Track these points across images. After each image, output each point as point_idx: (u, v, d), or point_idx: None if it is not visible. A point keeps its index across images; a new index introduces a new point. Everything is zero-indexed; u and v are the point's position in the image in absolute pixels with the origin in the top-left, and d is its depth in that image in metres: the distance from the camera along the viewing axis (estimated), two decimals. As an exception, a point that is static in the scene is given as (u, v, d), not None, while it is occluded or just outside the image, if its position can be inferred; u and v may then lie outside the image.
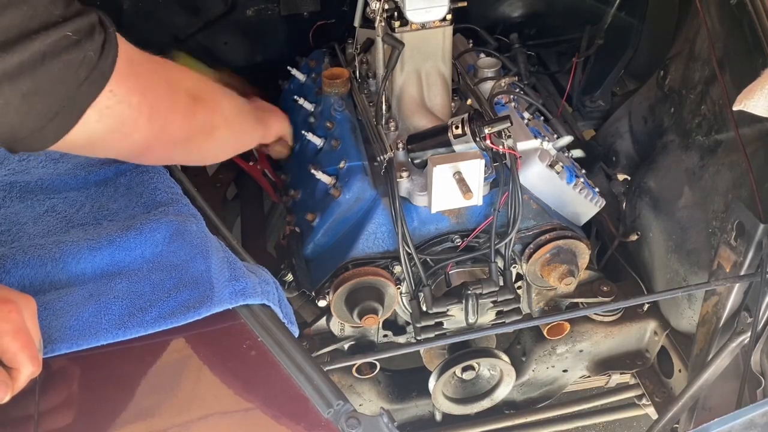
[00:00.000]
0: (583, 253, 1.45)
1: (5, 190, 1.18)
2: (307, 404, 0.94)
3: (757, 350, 1.27)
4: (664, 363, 1.71)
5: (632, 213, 1.66)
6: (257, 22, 1.85)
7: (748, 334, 1.28)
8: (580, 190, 1.45)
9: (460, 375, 1.57)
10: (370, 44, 1.51)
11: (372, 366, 1.57)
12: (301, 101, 1.64)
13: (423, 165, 1.36)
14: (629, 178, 1.74)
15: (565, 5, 1.99)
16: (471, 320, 1.44)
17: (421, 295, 1.41)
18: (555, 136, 1.50)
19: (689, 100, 1.53)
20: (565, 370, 1.74)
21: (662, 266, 1.59)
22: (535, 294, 1.55)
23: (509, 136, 1.36)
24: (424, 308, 1.42)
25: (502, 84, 1.52)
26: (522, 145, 1.40)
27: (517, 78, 1.66)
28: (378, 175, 1.41)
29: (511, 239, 1.39)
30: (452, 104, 1.53)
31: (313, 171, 1.44)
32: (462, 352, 1.55)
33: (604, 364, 1.73)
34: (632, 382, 1.83)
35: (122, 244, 1.05)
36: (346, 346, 1.54)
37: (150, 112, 1.01)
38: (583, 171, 1.53)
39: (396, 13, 1.36)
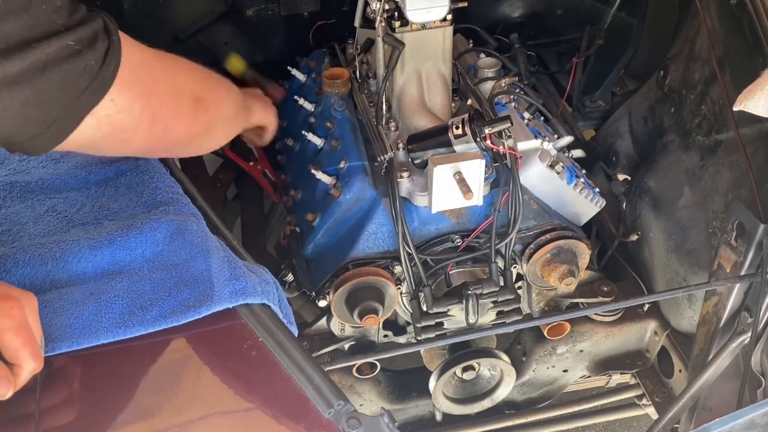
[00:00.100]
0: (584, 253, 1.45)
1: (6, 190, 1.17)
2: (307, 404, 0.94)
3: (757, 350, 1.27)
4: (664, 363, 1.71)
5: (632, 213, 1.66)
6: (257, 22, 1.85)
7: (749, 334, 1.28)
8: (581, 190, 1.45)
9: (460, 375, 1.57)
10: (370, 44, 1.51)
11: (372, 366, 1.57)
12: (301, 101, 1.64)
13: (423, 165, 1.36)
14: (629, 178, 1.74)
15: (565, 5, 1.99)
16: (471, 320, 1.44)
17: (422, 295, 1.41)
18: (555, 136, 1.50)
19: (689, 100, 1.53)
20: (565, 370, 1.74)
21: (662, 266, 1.59)
22: (535, 294, 1.55)
23: (509, 136, 1.35)
24: (425, 308, 1.42)
25: (503, 84, 1.52)
26: (522, 146, 1.40)
27: (517, 78, 1.66)
28: (378, 175, 1.41)
29: (511, 239, 1.39)
30: (452, 104, 1.53)
31: (313, 171, 1.44)
32: (462, 352, 1.55)
33: (604, 364, 1.73)
34: (632, 382, 1.83)
35: (123, 243, 1.05)
36: (346, 347, 1.54)
37: (152, 120, 1.00)
38: (584, 171, 1.53)
39: (396, 13, 1.37)
